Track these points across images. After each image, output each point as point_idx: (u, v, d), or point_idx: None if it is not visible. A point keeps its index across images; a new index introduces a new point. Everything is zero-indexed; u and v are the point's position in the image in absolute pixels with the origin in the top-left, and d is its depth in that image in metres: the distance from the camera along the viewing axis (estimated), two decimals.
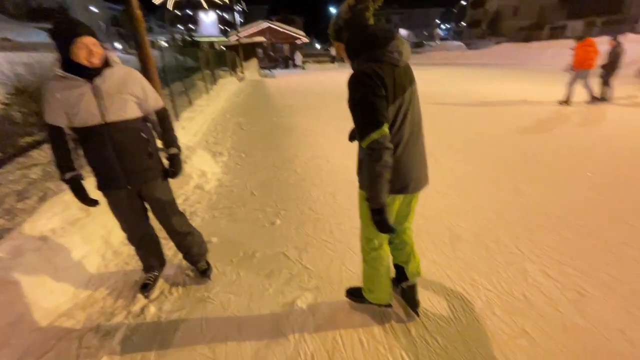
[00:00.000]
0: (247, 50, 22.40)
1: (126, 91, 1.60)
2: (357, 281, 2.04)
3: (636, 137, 4.73)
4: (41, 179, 2.95)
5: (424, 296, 1.89)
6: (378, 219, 1.30)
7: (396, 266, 1.81)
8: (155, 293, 2.02)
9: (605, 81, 7.11)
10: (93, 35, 1.48)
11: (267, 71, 20.94)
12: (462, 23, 47.53)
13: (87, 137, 1.58)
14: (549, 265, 2.13)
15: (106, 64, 1.57)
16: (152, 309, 1.88)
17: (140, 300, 1.96)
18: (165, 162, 1.89)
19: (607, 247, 2.30)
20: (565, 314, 1.75)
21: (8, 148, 4.05)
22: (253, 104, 9.58)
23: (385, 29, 1.28)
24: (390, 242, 1.72)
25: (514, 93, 9.04)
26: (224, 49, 21.80)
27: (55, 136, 1.57)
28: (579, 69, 6.87)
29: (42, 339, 1.67)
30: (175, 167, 1.86)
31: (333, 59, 30.62)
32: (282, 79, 17.51)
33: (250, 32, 26.84)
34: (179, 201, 3.19)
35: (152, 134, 1.80)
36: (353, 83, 1.24)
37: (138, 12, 3.06)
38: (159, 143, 1.86)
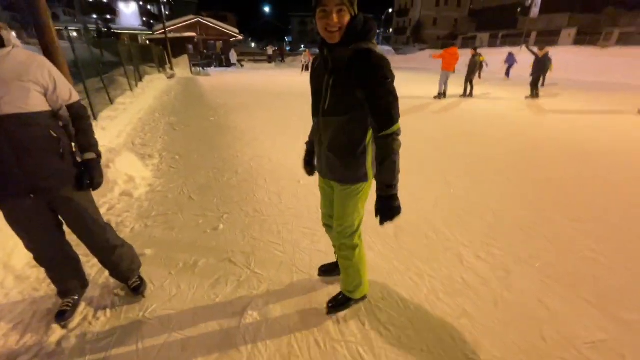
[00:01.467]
0: (177, 46, 20.82)
1: (28, 78, 1.30)
2: (308, 282, 2.01)
3: (499, 122, 5.57)
4: None
5: (375, 289, 1.93)
6: (397, 204, 1.34)
7: None
8: (75, 321, 1.71)
9: (469, 81, 9.54)
10: None
11: (200, 69, 19.73)
12: (390, 30, 50.86)
13: None
14: (480, 248, 2.35)
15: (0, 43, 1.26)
16: (73, 340, 1.59)
17: (57, 331, 1.64)
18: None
19: (520, 227, 2.64)
20: (496, 290, 1.95)
21: None
22: (186, 103, 8.92)
23: None
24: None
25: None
26: (149, 42, 19.98)
27: None
28: (444, 70, 8.99)
29: None
30: (92, 176, 1.54)
31: (269, 58, 30.25)
32: (217, 78, 16.68)
33: (179, 26, 25.04)
34: (102, 211, 2.82)
35: (65, 132, 1.51)
36: (386, 66, 1.21)
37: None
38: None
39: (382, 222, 1.35)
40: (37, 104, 1.35)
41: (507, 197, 3.19)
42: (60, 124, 1.50)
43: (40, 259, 1.62)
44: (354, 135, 1.39)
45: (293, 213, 2.85)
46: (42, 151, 1.39)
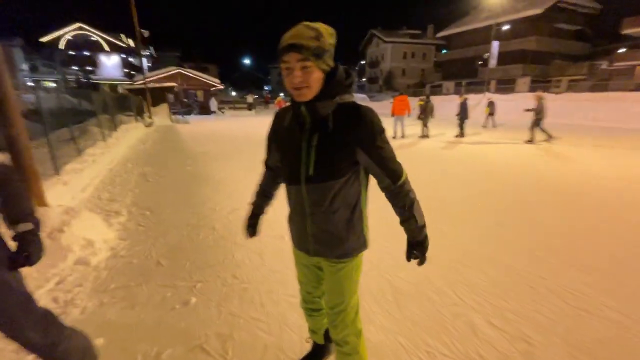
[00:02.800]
0: (156, 95, 20.97)
1: None
2: None
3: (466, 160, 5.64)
4: None
5: None
6: (427, 247, 1.24)
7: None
8: None
9: (425, 124, 11.02)
10: None
11: (179, 117, 19.75)
12: (363, 79, 54.34)
13: None
14: (492, 313, 2.08)
15: None
16: None
17: None
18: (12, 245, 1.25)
19: (527, 283, 2.41)
20: None
21: None
22: (162, 152, 8.62)
23: None
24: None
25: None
26: (128, 92, 20.02)
27: None
28: (395, 115, 10.57)
29: None
30: (29, 250, 1.22)
31: (250, 106, 31.02)
32: (197, 125, 16.65)
33: (161, 76, 25.50)
34: (48, 286, 2.36)
35: None
36: (377, 118, 1.11)
37: None
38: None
39: (421, 263, 1.26)
40: None
41: (504, 245, 3.00)
42: None
43: None
44: (351, 200, 1.18)
45: (278, 278, 2.50)
46: None
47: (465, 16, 36.79)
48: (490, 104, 14.86)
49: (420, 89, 36.17)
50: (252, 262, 2.75)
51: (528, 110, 9.44)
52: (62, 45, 35.97)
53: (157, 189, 5.10)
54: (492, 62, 26.08)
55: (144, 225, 3.60)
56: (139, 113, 16.83)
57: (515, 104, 17.95)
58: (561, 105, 17.58)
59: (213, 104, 26.08)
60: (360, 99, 37.12)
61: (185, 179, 5.70)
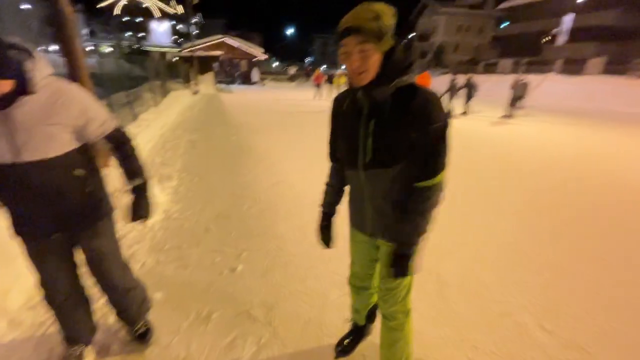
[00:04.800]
0: (203, 64, 21.50)
1: (53, 121, 1.13)
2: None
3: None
4: None
5: None
6: (411, 265, 1.15)
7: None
8: None
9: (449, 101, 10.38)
10: None
11: (223, 86, 20.21)
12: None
13: None
14: (543, 316, 1.96)
15: (23, 89, 1.08)
16: None
17: None
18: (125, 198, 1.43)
19: (587, 287, 2.23)
20: None
21: None
22: (208, 120, 8.92)
23: None
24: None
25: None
26: (177, 59, 20.71)
27: None
28: None
29: None
30: (140, 205, 1.41)
31: (292, 78, 30.84)
32: (240, 95, 16.95)
33: (207, 45, 25.96)
34: None
35: (94, 167, 1.36)
36: (437, 105, 1.01)
37: (68, 9, 2.49)
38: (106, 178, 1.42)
39: (396, 276, 1.18)
40: (63, 145, 1.18)
41: (567, 248, 2.77)
42: (89, 155, 1.34)
43: (51, 299, 1.43)
44: (410, 185, 1.12)
45: (319, 255, 2.53)
46: (68, 193, 1.25)
47: None
48: (522, 86, 13.85)
49: (473, 66, 33.51)
50: (294, 236, 2.80)
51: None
52: (117, 11, 37.64)
53: (204, 156, 5.32)
54: (562, 39, 23.27)
55: (193, 191, 3.80)
56: (187, 80, 17.41)
57: (582, 89, 16.06)
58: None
59: (255, 74, 26.26)
60: None
61: (230, 148, 5.87)
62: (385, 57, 0.99)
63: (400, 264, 1.14)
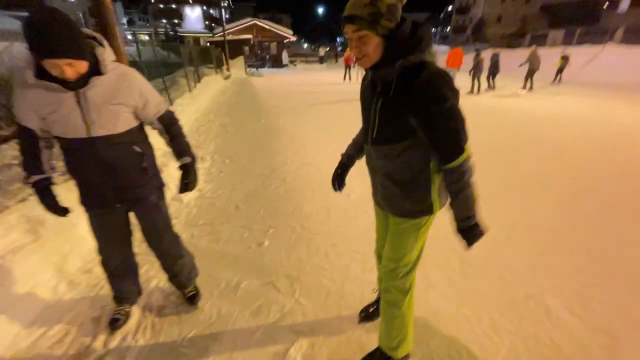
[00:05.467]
0: (234, 48, 21.75)
1: (117, 101, 1.30)
2: (357, 321, 1.75)
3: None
4: None
5: (439, 342, 1.62)
6: (480, 230, 1.15)
7: None
8: (116, 340, 1.65)
9: (476, 78, 10.13)
10: (70, 53, 1.10)
11: (254, 69, 20.43)
12: (447, 28, 48.28)
13: (69, 149, 1.32)
14: (572, 300, 1.90)
15: (95, 71, 1.24)
16: None
17: (97, 350, 1.59)
18: (173, 175, 1.69)
19: (627, 274, 2.11)
20: None
21: None
22: (239, 104, 9.15)
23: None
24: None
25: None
26: (209, 44, 21.13)
27: (25, 136, 1.31)
28: (449, 68, 9.76)
29: None
30: (189, 180, 1.56)
31: (321, 59, 30.38)
32: (270, 78, 17.08)
33: (237, 28, 26.17)
34: None
35: (148, 145, 1.53)
36: (442, 84, 0.98)
37: (107, 1, 2.65)
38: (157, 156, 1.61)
39: (469, 247, 1.18)
40: (126, 123, 1.36)
41: (606, 231, 2.61)
42: (145, 135, 1.52)
43: (107, 263, 1.65)
44: (414, 164, 1.15)
45: (342, 233, 2.61)
46: (128, 166, 1.43)
47: None
48: (564, 59, 12.72)
49: (519, 39, 30.89)
50: (319, 216, 2.89)
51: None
52: None
53: (235, 139, 5.52)
54: (624, 5, 20.68)
55: (224, 172, 3.99)
56: (219, 65, 17.79)
57: None
58: None
59: (285, 56, 26.19)
60: (440, 51, 33.53)
61: (259, 131, 6.03)
62: (388, 38, 0.99)
63: (468, 236, 1.15)
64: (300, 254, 2.35)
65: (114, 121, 1.32)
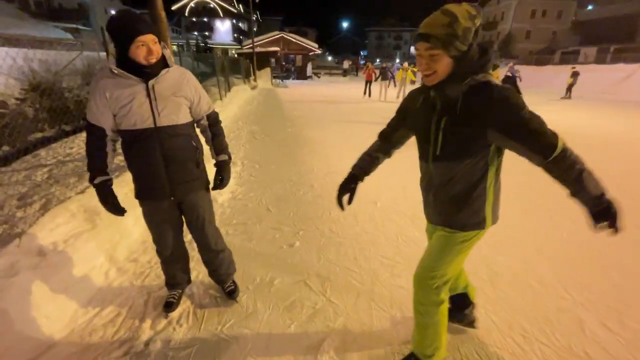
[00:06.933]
0: (261, 59, 22.54)
1: (180, 94, 1.49)
2: (389, 323, 1.80)
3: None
4: (46, 182, 2.76)
5: (469, 348, 1.64)
6: (615, 208, 1.06)
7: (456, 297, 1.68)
8: (162, 324, 1.78)
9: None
10: (154, 32, 1.37)
11: (279, 81, 21.02)
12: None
13: (134, 141, 1.47)
14: (607, 315, 1.87)
15: (163, 64, 1.44)
16: (158, 344, 1.65)
17: (145, 331, 1.73)
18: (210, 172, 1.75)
19: None
20: None
21: (18, 143, 3.92)
22: (266, 113, 9.47)
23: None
24: None
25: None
26: (237, 56, 21.98)
27: (95, 136, 1.46)
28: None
29: None
30: (223, 176, 1.72)
31: (345, 72, 30.84)
32: (295, 89, 17.51)
33: (265, 41, 27.13)
34: None
35: (199, 141, 1.68)
36: (513, 95, 1.04)
37: (162, 14, 2.92)
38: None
39: (615, 231, 1.08)
40: (185, 116, 1.53)
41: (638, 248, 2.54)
42: (198, 131, 1.69)
43: (162, 252, 1.78)
44: (472, 179, 1.20)
45: (370, 239, 2.67)
46: (185, 159, 1.56)
47: None
48: (574, 75, 12.86)
49: (548, 56, 30.20)
50: (346, 221, 2.97)
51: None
52: (187, 12, 40.90)
53: (263, 146, 5.72)
54: None
55: (255, 176, 4.16)
56: (247, 76, 18.45)
57: None
58: None
59: (309, 68, 26.81)
60: None
61: (286, 139, 6.22)
62: (457, 59, 1.05)
63: (607, 215, 1.06)
64: (329, 256, 2.43)
65: (177, 112, 1.48)
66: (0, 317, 1.42)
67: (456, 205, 1.24)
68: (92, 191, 2.04)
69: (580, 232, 2.79)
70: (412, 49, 55.66)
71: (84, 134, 2.23)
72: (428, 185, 1.32)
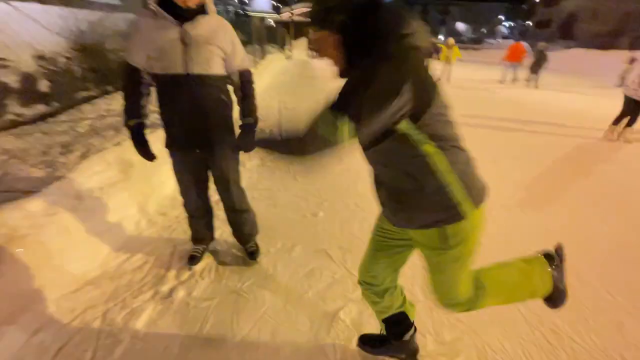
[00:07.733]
0: (298, 29, 21.98)
1: (215, 43, 1.44)
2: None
3: None
4: (87, 134, 2.90)
5: (492, 335, 1.57)
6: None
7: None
8: (186, 274, 1.85)
9: (535, 71, 10.66)
10: None
11: (314, 52, 20.49)
12: (529, 22, 43.65)
13: (166, 87, 1.47)
14: None
15: (202, 10, 1.40)
16: (181, 293, 1.72)
17: (170, 280, 1.81)
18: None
19: None
20: None
21: (64, 99, 4.12)
22: (299, 84, 9.33)
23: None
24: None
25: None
26: (274, 24, 21.56)
27: (131, 77, 1.47)
28: (511, 62, 11.09)
29: (66, 308, 1.56)
30: (247, 139, 1.67)
31: None
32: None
33: (303, 10, 26.30)
34: None
35: (231, 99, 1.64)
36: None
37: None
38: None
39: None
40: (217, 66, 1.48)
41: None
42: (230, 88, 1.64)
43: (188, 206, 1.82)
44: (412, 170, 0.93)
45: None
46: (214, 111, 1.53)
47: None
48: (632, 61, 11.25)
49: (615, 39, 26.96)
50: (372, 197, 2.88)
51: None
52: None
53: (294, 116, 5.65)
54: None
55: None
56: (282, 45, 18.14)
57: None
58: None
59: None
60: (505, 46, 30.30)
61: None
62: (344, 36, 0.84)
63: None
64: (352, 229, 2.39)
65: (209, 61, 1.44)
66: (40, 250, 1.53)
67: (414, 204, 0.99)
68: (128, 144, 2.10)
69: (630, 234, 2.54)
70: (459, 24, 51.81)
71: None
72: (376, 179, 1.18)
